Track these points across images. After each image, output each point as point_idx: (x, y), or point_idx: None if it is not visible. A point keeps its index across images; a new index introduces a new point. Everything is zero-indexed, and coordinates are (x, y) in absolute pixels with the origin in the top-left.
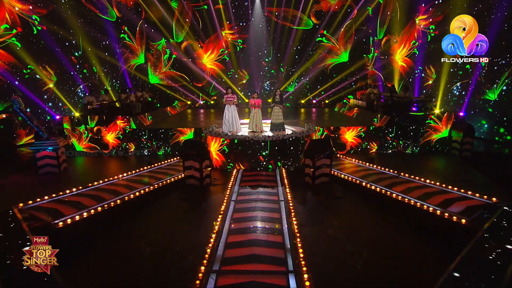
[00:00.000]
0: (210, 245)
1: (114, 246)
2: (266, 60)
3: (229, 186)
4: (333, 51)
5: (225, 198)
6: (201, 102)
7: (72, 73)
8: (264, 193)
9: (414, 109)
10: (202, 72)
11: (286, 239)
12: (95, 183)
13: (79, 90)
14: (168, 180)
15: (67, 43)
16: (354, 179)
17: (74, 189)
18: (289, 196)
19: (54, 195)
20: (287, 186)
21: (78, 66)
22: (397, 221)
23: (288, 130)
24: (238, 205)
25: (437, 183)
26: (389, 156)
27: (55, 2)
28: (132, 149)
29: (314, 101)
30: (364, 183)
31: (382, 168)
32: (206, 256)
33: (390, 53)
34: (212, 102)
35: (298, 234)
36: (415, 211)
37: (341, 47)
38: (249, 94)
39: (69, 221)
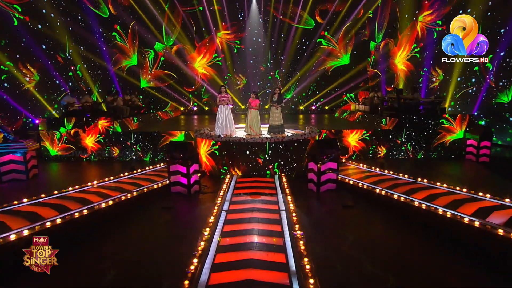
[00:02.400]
0: (192, 267)
1: (71, 268)
2: (264, 65)
3: (221, 193)
4: (333, 54)
5: (215, 207)
6: (195, 108)
7: (54, 73)
8: (262, 201)
9: (422, 112)
10: (194, 76)
11: (290, 259)
12: (63, 190)
13: (65, 93)
14: (150, 187)
15: (48, 40)
16: (365, 186)
17: (34, 198)
18: (291, 205)
19: (5, 205)
20: (288, 194)
21: (57, 70)
22: (422, 234)
23: (288, 133)
24: (230, 216)
25: (464, 189)
26: (399, 161)
27: None
28: (116, 154)
29: (313, 107)
30: (378, 190)
31: (395, 173)
32: (186, 282)
33: (390, 56)
34: (206, 108)
35: (305, 253)
36: (445, 222)
37: (341, 50)
38: (239, 98)
39: (13, 237)
